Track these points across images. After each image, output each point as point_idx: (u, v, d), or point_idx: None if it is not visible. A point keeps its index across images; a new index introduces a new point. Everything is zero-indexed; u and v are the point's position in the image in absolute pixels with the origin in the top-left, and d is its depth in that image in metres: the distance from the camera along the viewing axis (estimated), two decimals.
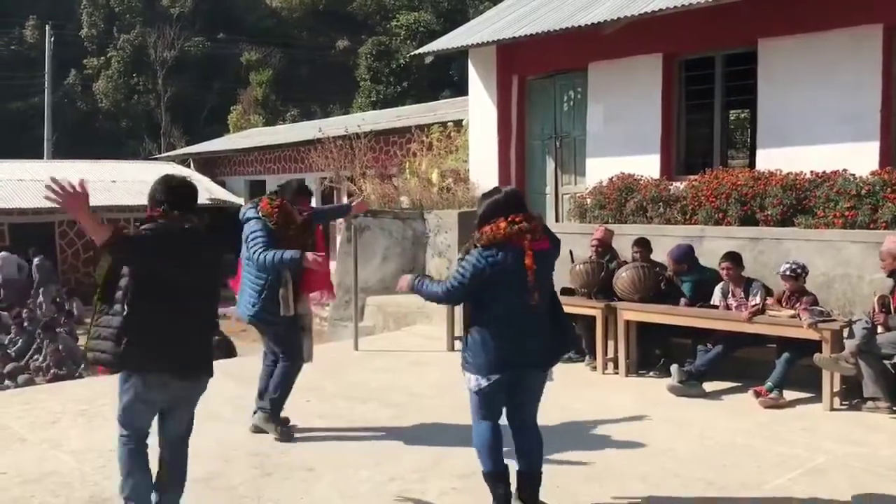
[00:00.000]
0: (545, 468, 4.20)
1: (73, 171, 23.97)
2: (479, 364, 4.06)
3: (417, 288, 4.29)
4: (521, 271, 3.96)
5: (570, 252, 8.22)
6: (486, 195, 4.23)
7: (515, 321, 4.03)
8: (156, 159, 29.74)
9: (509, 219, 3.99)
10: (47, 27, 36.20)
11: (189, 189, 3.92)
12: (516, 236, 3.97)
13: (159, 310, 3.70)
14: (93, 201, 3.53)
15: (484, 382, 4.06)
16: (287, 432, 5.50)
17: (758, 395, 6.28)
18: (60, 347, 12.90)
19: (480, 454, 4.16)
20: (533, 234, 4.01)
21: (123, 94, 41.36)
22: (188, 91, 40.78)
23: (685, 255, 7.43)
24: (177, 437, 3.96)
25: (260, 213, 5.41)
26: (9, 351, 13.99)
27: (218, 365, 4.95)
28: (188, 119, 39.83)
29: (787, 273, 6.58)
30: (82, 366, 12.35)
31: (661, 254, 7.88)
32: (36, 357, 13.59)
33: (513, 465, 4.21)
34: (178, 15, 42.32)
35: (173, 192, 3.83)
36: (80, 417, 6.04)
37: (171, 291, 3.71)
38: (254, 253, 5.24)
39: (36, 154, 32.56)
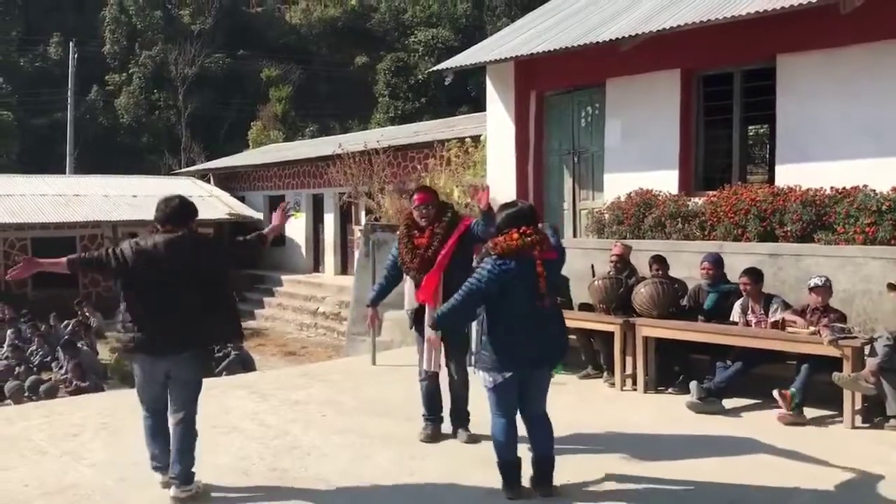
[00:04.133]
0: (563, 486, 4.18)
1: (94, 185, 24.29)
2: (494, 362, 4.49)
3: (439, 317, 4.68)
4: (532, 279, 4.42)
5: (592, 266, 8.21)
6: (503, 206, 4.67)
7: (527, 324, 4.46)
8: (176, 174, 30.02)
9: (521, 231, 4.42)
10: (71, 44, 36.73)
11: (176, 207, 4.66)
12: (528, 248, 4.41)
13: (138, 303, 4.56)
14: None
15: (499, 379, 4.49)
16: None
17: (783, 397, 6.18)
18: (80, 363, 13.03)
19: (496, 445, 4.62)
20: (541, 245, 4.45)
21: (144, 110, 41.84)
22: (208, 107, 41.19)
23: (720, 264, 7.40)
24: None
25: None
26: (31, 365, 14.15)
27: (237, 379, 5.01)
28: (208, 134, 40.20)
29: (820, 284, 6.49)
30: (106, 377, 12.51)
31: (679, 270, 7.86)
32: (58, 370, 13.74)
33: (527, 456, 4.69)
34: (199, 32, 42.83)
35: (161, 210, 4.66)
36: (102, 430, 6.08)
37: (146, 288, 4.54)
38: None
39: (58, 169, 32.99)
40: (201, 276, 4.59)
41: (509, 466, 4.62)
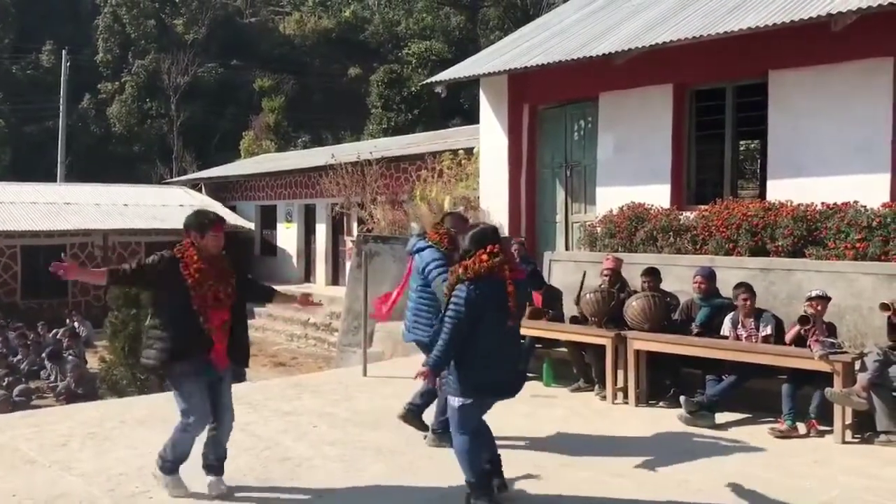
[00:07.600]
0: (555, 497, 4.15)
1: (85, 194, 24.20)
2: (463, 387, 4.40)
3: (434, 363, 4.44)
4: (502, 299, 4.33)
5: (584, 272, 8.21)
6: (469, 229, 4.65)
7: (496, 348, 4.37)
8: (168, 184, 29.96)
9: (488, 251, 4.34)
10: (64, 52, 36.69)
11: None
12: (498, 268, 4.33)
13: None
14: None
15: (468, 401, 4.42)
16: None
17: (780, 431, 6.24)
18: (69, 369, 12.96)
19: (461, 463, 4.52)
20: (510, 264, 4.39)
21: (137, 119, 41.74)
22: (201, 116, 41.14)
23: (713, 278, 7.41)
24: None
25: (430, 242, 5.75)
26: (19, 374, 14.07)
27: None
28: (200, 144, 40.14)
29: (822, 294, 6.49)
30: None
31: (670, 283, 7.87)
32: (45, 378, 13.65)
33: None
34: (193, 41, 42.82)
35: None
36: (90, 440, 6.03)
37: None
38: (439, 277, 5.48)
39: (50, 177, 32.85)
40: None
41: (479, 479, 4.53)
